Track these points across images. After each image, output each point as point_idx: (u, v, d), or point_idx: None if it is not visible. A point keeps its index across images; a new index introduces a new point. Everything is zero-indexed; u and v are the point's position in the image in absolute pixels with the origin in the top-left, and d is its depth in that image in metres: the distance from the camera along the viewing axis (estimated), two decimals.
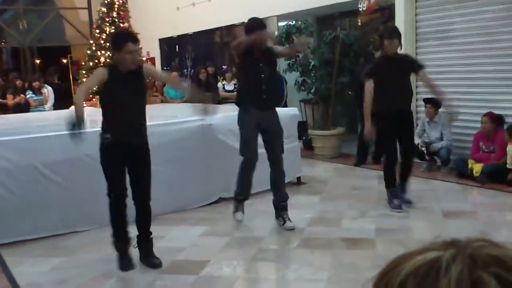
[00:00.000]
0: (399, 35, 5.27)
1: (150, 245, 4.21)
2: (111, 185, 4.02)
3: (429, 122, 7.04)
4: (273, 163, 4.96)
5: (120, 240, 4.10)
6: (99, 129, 4.06)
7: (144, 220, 4.17)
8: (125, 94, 3.93)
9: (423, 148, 6.95)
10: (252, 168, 4.90)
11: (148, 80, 4.04)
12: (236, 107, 5.05)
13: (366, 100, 5.28)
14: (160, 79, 5.01)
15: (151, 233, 4.22)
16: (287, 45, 7.71)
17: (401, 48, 5.40)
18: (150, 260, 4.15)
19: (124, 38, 3.98)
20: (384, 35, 5.26)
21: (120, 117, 3.93)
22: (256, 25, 4.83)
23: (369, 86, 5.24)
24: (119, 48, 3.91)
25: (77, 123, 3.62)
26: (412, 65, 5.34)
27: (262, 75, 4.82)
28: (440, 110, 6.93)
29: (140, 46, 4.07)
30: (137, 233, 4.19)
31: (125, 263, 4.09)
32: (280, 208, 5.00)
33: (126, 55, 3.87)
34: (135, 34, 4.38)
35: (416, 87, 7.63)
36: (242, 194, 4.98)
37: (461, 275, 0.52)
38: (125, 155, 3.99)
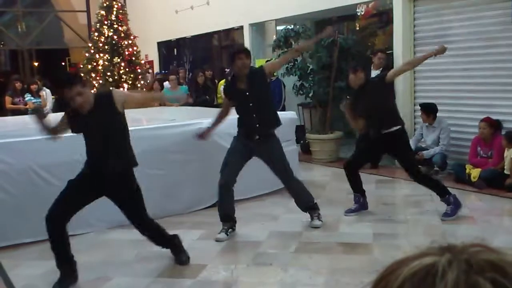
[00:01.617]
0: (363, 67, 5.37)
1: (173, 249, 4.26)
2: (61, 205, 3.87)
3: (427, 127, 7.05)
4: (283, 183, 5.06)
5: (63, 264, 3.89)
6: None
7: (155, 241, 4.20)
8: (90, 131, 3.83)
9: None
10: (225, 190, 4.80)
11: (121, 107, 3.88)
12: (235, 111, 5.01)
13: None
14: (137, 101, 4.87)
15: (170, 243, 4.24)
16: (286, 50, 7.75)
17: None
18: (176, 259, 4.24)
19: (61, 83, 3.83)
20: (349, 70, 5.27)
21: (90, 150, 3.90)
22: (234, 51, 4.81)
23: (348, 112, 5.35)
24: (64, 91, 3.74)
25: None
26: (380, 83, 5.15)
27: (251, 104, 4.72)
28: (438, 115, 6.95)
29: (83, 89, 3.72)
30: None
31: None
32: (308, 210, 5.09)
33: (70, 101, 3.73)
34: (72, 76, 4.21)
35: (415, 92, 7.66)
36: (220, 214, 4.90)
37: (458, 280, 0.52)
38: (98, 185, 3.89)
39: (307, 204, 5.06)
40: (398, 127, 5.13)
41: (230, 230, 4.86)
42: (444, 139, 6.89)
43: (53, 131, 3.99)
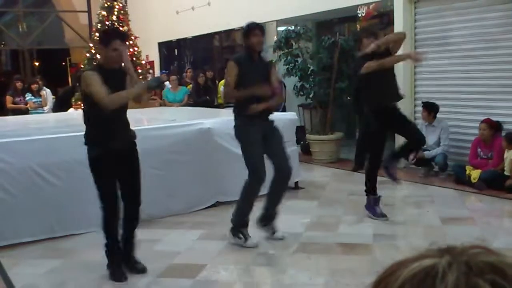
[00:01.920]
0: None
1: (133, 248, 4.12)
2: (105, 200, 3.91)
3: (427, 126, 7.05)
4: (279, 170, 4.63)
5: (113, 253, 4.00)
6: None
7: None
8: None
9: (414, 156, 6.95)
10: (262, 183, 4.51)
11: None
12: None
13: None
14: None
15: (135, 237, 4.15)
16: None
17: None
18: (133, 266, 4.07)
19: (112, 36, 3.93)
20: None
21: (114, 121, 3.85)
22: (249, 27, 4.59)
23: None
24: (106, 44, 3.82)
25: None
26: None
27: (261, 83, 4.56)
28: (438, 115, 6.96)
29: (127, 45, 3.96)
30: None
31: (119, 274, 3.97)
32: (273, 217, 4.78)
33: (112, 52, 3.79)
34: (123, 32, 4.31)
35: (415, 93, 7.66)
36: (247, 214, 4.61)
37: (457, 282, 0.53)
38: (117, 163, 3.91)
39: (280, 202, 4.76)
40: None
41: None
42: (445, 139, 6.90)
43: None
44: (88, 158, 3.89)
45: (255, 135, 4.50)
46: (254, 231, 4.72)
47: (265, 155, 4.59)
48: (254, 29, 4.56)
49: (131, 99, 3.98)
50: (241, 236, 4.59)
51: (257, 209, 4.72)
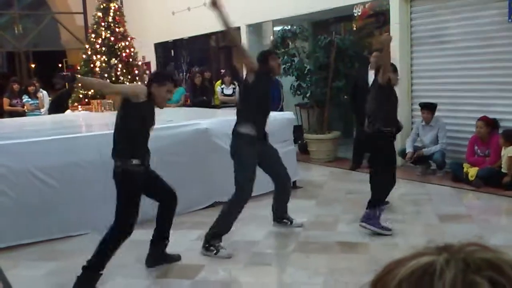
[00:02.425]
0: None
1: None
2: (130, 219, 3.84)
3: (424, 126, 7.06)
4: (281, 183, 4.88)
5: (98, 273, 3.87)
6: (95, 134, 3.98)
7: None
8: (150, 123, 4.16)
9: (412, 152, 6.95)
10: (247, 202, 4.57)
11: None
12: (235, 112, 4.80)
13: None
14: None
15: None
16: None
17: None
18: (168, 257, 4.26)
19: (173, 80, 4.23)
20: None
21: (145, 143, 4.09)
22: (267, 53, 4.77)
23: None
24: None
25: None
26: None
27: (267, 106, 4.66)
28: (436, 114, 6.97)
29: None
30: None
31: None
32: (285, 212, 5.09)
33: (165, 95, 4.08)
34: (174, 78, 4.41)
35: (412, 91, 7.68)
36: (227, 230, 4.60)
37: (455, 279, 0.53)
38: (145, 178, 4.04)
39: (285, 210, 5.11)
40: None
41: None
42: (442, 137, 6.91)
43: None
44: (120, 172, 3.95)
45: (253, 156, 4.48)
46: (254, 231, 4.71)
47: (262, 169, 4.72)
48: (272, 54, 4.77)
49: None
50: (212, 248, 4.46)
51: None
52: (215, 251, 4.43)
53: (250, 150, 4.45)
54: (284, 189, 4.96)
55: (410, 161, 7.05)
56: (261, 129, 4.53)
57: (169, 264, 4.24)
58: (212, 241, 4.48)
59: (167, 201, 4.20)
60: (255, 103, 4.48)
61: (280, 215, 5.09)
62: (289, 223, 5.07)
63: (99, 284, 3.93)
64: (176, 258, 4.28)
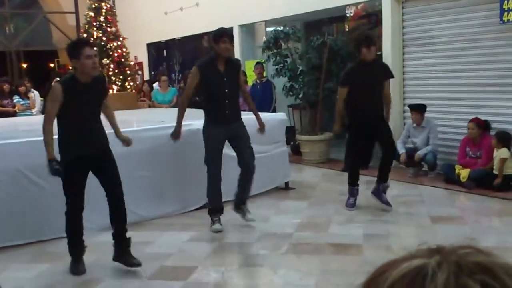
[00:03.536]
0: (375, 41, 5.46)
1: (127, 243, 4.14)
2: (70, 199, 4.03)
3: (415, 127, 7.08)
4: (243, 167, 5.00)
5: (76, 247, 4.12)
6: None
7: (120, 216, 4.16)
8: (86, 106, 3.95)
9: (404, 154, 6.98)
10: (218, 179, 4.94)
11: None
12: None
13: (338, 104, 5.55)
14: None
15: (126, 230, 4.18)
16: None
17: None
18: (127, 259, 4.11)
19: (82, 44, 3.98)
20: (363, 43, 5.29)
21: (82, 130, 3.94)
22: (218, 34, 4.82)
23: (341, 92, 5.45)
24: (77, 55, 3.87)
25: (52, 162, 3.80)
26: (387, 74, 5.57)
27: (226, 90, 4.82)
28: (427, 115, 6.99)
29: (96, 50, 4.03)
30: (112, 231, 4.16)
31: (77, 268, 4.09)
32: (243, 203, 5.14)
33: (86, 60, 3.84)
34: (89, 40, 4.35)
35: (404, 92, 7.70)
36: (213, 204, 5.03)
37: (447, 282, 0.52)
38: (88, 165, 4.03)
39: (247, 196, 5.16)
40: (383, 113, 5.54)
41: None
42: (433, 138, 6.93)
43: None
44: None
45: (215, 136, 4.87)
46: (246, 232, 4.70)
47: (233, 153, 5.04)
48: (222, 36, 4.76)
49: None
50: (211, 220, 5.01)
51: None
52: (211, 223, 5.00)
53: (209, 130, 4.90)
54: (244, 169, 5.00)
55: (403, 163, 7.06)
56: (221, 114, 4.83)
57: (161, 265, 4.22)
58: (211, 215, 5.05)
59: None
60: (208, 93, 4.92)
61: (237, 202, 5.12)
62: (241, 214, 5.11)
63: (89, 285, 3.91)
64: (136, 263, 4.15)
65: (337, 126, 5.69)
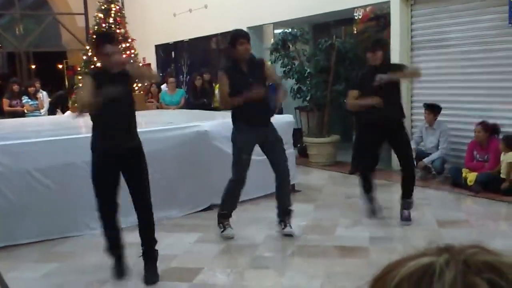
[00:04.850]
0: (382, 46, 5.27)
1: (150, 258, 4.06)
2: (101, 202, 3.93)
3: (427, 128, 7.06)
4: (276, 172, 4.84)
5: (114, 248, 4.04)
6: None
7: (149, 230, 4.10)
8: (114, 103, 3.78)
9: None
10: (241, 187, 4.82)
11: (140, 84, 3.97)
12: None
13: (350, 103, 5.26)
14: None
15: (151, 241, 4.09)
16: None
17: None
18: (146, 276, 4.00)
19: (103, 40, 3.90)
20: (367, 48, 5.20)
21: (109, 124, 3.83)
22: (235, 36, 4.70)
23: (351, 93, 5.20)
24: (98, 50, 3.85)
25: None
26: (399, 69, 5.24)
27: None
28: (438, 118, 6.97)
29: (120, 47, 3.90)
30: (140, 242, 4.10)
31: (117, 270, 4.03)
32: (284, 213, 4.92)
33: (108, 57, 3.77)
34: (114, 34, 4.16)
35: (412, 95, 7.68)
36: (228, 209, 4.93)
37: (455, 280, 0.53)
38: (118, 164, 3.92)
39: (289, 203, 4.96)
40: (403, 118, 5.24)
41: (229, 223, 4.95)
42: (443, 142, 6.91)
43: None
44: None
45: (246, 142, 4.70)
46: (252, 234, 4.71)
47: (265, 159, 4.86)
48: (238, 38, 4.65)
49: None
50: (221, 225, 4.90)
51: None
52: (222, 229, 4.89)
53: (239, 136, 4.72)
54: (278, 174, 4.85)
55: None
56: (250, 114, 4.60)
57: (167, 266, 4.23)
58: (220, 219, 4.93)
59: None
60: (236, 93, 4.63)
61: (282, 215, 4.93)
62: (281, 227, 4.92)
63: (98, 285, 3.93)
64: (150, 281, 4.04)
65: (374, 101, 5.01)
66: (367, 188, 5.42)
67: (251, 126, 4.65)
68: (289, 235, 4.82)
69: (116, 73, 3.79)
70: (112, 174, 3.91)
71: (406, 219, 5.20)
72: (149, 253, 4.06)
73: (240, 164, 4.73)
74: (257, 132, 4.70)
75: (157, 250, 4.09)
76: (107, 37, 4.02)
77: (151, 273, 4.01)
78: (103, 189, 3.91)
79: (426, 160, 6.87)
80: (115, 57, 3.77)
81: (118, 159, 3.88)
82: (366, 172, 5.45)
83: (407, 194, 5.26)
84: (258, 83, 4.64)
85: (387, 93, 4.97)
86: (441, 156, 6.86)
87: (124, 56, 3.81)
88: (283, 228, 4.88)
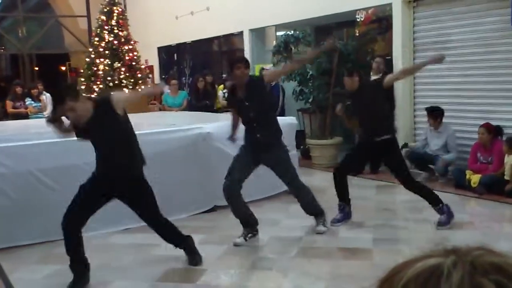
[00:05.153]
0: (358, 71, 5.26)
1: (187, 249, 4.29)
2: (75, 211, 3.95)
3: (432, 131, 7.05)
4: (291, 191, 5.09)
5: (78, 265, 3.97)
6: None
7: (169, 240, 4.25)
8: (94, 137, 3.89)
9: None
10: (229, 196, 4.73)
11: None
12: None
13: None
14: (131, 100, 4.70)
15: (184, 242, 4.29)
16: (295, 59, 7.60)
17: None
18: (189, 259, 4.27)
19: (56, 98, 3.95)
20: (345, 73, 5.25)
21: (98, 154, 3.94)
22: (233, 61, 4.80)
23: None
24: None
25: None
26: (377, 87, 5.14)
27: (251, 114, 4.64)
28: (444, 120, 6.95)
29: (76, 104, 3.75)
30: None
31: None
32: (314, 215, 5.09)
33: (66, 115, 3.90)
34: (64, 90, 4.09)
35: (414, 97, 7.67)
36: (238, 218, 4.86)
37: (462, 282, 0.53)
38: (111, 191, 3.97)
39: (313, 211, 5.08)
40: (389, 136, 5.05)
41: (249, 235, 4.81)
42: (453, 147, 6.89)
43: (66, 130, 4.03)
44: None
45: (245, 152, 4.78)
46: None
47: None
48: (235, 63, 4.68)
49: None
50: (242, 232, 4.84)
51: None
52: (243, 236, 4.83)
53: (239, 151, 4.82)
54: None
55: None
56: (252, 138, 4.73)
57: (170, 268, 4.23)
58: (243, 226, 4.85)
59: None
60: (239, 116, 4.88)
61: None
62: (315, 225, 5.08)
63: (100, 287, 3.93)
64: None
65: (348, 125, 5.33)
66: (342, 194, 5.32)
67: (252, 147, 4.75)
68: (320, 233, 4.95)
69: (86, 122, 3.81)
70: (104, 197, 3.98)
71: (439, 224, 5.07)
72: (187, 248, 4.28)
73: (230, 172, 4.76)
74: (258, 153, 4.73)
75: (190, 239, 4.32)
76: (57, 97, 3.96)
77: (196, 256, 4.26)
78: (86, 202, 3.94)
79: (437, 169, 6.87)
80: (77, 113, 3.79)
81: (113, 183, 3.94)
82: (343, 174, 5.35)
83: (430, 203, 5.14)
84: (257, 105, 4.66)
85: (368, 111, 5.03)
86: (453, 159, 6.86)
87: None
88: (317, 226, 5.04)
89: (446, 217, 5.04)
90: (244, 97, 4.65)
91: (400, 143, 6.08)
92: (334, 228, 5.13)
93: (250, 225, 4.83)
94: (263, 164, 4.80)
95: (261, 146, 4.69)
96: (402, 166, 5.17)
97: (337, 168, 5.46)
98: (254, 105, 4.62)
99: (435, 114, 6.92)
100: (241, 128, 4.90)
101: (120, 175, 3.91)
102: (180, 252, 4.58)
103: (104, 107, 3.80)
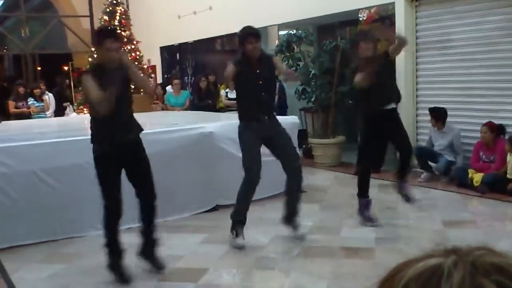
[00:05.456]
0: (367, 39, 5.23)
1: (156, 244, 4.16)
2: (107, 198, 3.93)
3: (436, 130, 7.04)
4: (287, 169, 4.74)
5: (114, 253, 4.01)
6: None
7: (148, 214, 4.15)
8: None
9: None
10: (255, 184, 4.63)
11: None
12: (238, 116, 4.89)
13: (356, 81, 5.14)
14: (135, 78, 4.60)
15: (154, 230, 4.17)
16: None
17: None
18: (154, 261, 4.11)
19: (104, 35, 3.93)
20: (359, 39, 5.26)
21: (111, 118, 3.83)
22: (244, 35, 4.64)
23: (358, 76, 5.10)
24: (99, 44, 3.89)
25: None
26: (386, 58, 5.09)
27: (261, 82, 4.61)
28: (447, 121, 6.94)
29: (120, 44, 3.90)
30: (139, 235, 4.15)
31: (121, 276, 4.00)
32: (293, 216, 4.85)
33: (106, 52, 3.82)
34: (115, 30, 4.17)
35: (417, 96, 7.66)
36: (242, 213, 4.71)
37: (463, 282, 0.53)
38: (120, 158, 3.95)
39: (298, 198, 4.88)
40: (394, 106, 5.24)
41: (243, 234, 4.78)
42: (459, 147, 6.88)
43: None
44: (93, 156, 3.95)
45: (252, 139, 4.61)
46: (258, 235, 4.71)
47: (271, 160, 4.75)
48: (247, 38, 4.59)
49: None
50: (234, 232, 4.69)
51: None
52: (234, 237, 4.68)
53: (244, 136, 4.64)
54: (289, 173, 4.74)
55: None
56: (258, 106, 4.61)
57: (172, 267, 4.24)
58: (234, 226, 4.70)
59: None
60: (243, 88, 4.72)
61: (289, 214, 4.84)
62: (292, 230, 4.85)
63: (104, 285, 3.94)
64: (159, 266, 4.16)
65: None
66: (363, 190, 5.29)
67: (251, 125, 4.62)
68: (302, 237, 4.80)
69: (114, 68, 3.82)
70: (116, 171, 3.96)
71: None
72: (152, 238, 4.14)
73: (250, 158, 4.60)
74: (261, 126, 4.62)
75: (157, 239, 4.18)
76: (108, 32, 4.08)
77: (159, 259, 4.12)
78: (110, 187, 3.92)
79: (437, 168, 6.89)
80: (113, 52, 3.81)
81: (118, 155, 3.91)
82: (366, 173, 5.35)
83: (403, 179, 5.27)
84: (267, 75, 4.64)
85: (382, 83, 5.00)
86: (449, 161, 6.84)
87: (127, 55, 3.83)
88: (296, 229, 4.83)
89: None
90: (256, 67, 4.61)
91: None
92: (336, 228, 5.13)
93: (243, 223, 4.77)
94: (267, 135, 4.64)
95: (266, 113, 4.65)
96: (404, 131, 5.26)
97: (361, 164, 5.57)
98: (265, 75, 4.62)
99: (437, 115, 6.91)
100: (234, 126, 4.84)
101: (132, 138, 3.99)
102: (183, 252, 4.59)
103: (123, 67, 3.88)
